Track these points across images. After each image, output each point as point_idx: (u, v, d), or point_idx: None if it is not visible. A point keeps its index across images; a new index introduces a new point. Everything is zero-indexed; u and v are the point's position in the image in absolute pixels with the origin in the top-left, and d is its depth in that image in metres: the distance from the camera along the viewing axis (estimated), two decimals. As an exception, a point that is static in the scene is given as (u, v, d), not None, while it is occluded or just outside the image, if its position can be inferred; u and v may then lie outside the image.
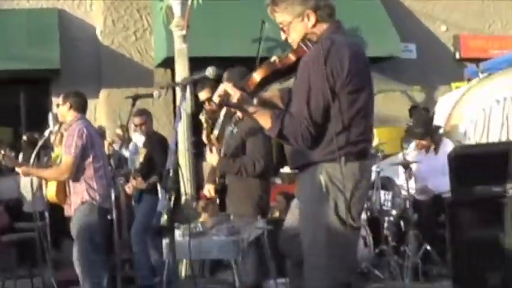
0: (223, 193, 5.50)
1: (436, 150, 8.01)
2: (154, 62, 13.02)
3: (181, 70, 10.45)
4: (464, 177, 5.81)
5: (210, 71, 3.48)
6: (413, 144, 8.36)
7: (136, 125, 8.55)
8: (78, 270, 6.07)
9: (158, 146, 8.22)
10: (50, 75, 12.60)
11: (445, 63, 14.90)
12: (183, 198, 9.79)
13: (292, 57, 3.57)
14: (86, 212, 6.03)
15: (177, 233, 4.06)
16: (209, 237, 4.38)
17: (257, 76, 3.54)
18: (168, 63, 11.93)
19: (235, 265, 4.89)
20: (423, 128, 8.08)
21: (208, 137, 5.45)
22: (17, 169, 6.37)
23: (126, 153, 9.58)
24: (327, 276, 3.51)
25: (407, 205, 7.42)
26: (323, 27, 3.59)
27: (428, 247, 7.18)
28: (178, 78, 10.41)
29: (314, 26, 3.59)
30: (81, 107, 6.30)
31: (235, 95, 3.44)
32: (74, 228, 6.09)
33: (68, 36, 12.71)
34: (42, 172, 6.47)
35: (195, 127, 9.92)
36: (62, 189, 6.24)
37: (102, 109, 12.74)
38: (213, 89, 7.98)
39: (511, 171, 5.60)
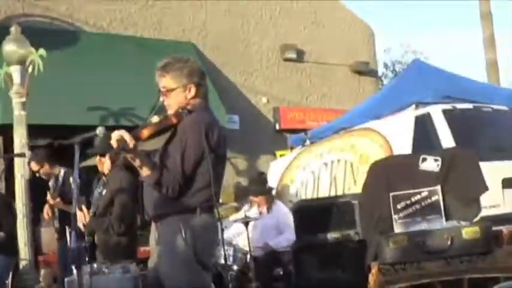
0: (92, 249, 5.86)
1: (268, 209, 8.72)
2: (-12, 128, 12.83)
3: (20, 137, 10.53)
4: (305, 226, 6.62)
5: (100, 130, 3.95)
6: (247, 205, 9.05)
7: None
8: None
9: (4, 207, 8.39)
10: None
11: (266, 134, 15.83)
12: (22, 263, 9.89)
13: (173, 120, 4.14)
14: None
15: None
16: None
17: (146, 132, 4.04)
18: (3, 130, 11.88)
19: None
20: (257, 186, 8.84)
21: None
22: None
23: None
24: None
25: (248, 260, 8.02)
26: (198, 101, 4.26)
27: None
28: (17, 144, 10.50)
29: (191, 98, 4.25)
30: None
31: (131, 142, 3.89)
32: None
33: None
34: None
35: (32, 193, 10.08)
36: None
37: None
38: (42, 162, 8.22)
39: (341, 220, 6.48)
